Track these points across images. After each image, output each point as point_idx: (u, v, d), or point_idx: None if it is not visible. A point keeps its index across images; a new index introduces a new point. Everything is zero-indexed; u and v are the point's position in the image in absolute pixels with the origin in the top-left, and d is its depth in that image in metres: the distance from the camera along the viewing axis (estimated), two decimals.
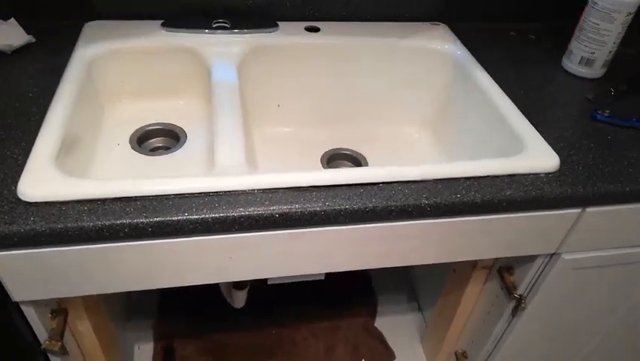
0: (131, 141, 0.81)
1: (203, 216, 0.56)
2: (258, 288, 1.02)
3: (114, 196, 0.56)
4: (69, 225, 0.53)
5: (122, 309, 1.17)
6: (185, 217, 0.55)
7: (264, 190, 0.60)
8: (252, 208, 0.57)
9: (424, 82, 0.93)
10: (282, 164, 0.88)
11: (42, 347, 0.67)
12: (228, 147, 0.65)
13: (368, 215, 0.60)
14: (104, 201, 0.55)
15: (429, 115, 0.95)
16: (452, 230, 0.66)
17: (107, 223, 0.54)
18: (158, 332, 1.17)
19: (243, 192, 0.59)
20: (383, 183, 0.62)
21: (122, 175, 0.75)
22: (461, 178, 0.64)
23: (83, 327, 0.78)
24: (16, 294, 0.60)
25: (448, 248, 0.69)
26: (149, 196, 0.57)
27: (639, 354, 1.06)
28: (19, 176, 0.56)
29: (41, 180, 0.56)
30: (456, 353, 1.06)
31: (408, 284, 1.35)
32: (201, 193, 0.58)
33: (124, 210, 0.55)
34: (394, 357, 1.18)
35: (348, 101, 0.96)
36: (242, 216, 0.57)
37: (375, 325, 1.24)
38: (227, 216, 0.57)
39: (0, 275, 0.57)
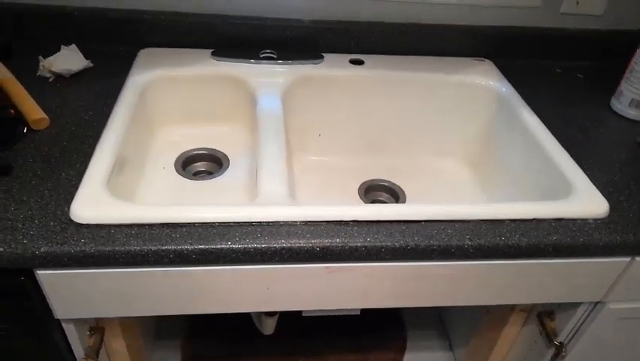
0: (176, 165, 0.83)
1: (245, 245, 0.56)
2: (288, 315, 1.01)
3: (161, 222, 0.57)
4: (117, 248, 0.54)
5: (152, 327, 1.18)
6: (228, 246, 0.56)
7: (306, 222, 0.60)
8: (294, 240, 0.57)
9: (467, 117, 0.93)
10: (320, 193, 0.89)
11: None
12: (272, 176, 0.66)
13: (409, 253, 0.60)
14: (151, 226, 0.57)
15: (470, 151, 0.95)
16: (494, 273, 0.65)
17: (153, 248, 0.55)
18: (186, 353, 1.18)
19: (285, 223, 0.59)
20: (426, 220, 0.62)
21: (166, 198, 0.76)
22: (506, 220, 0.63)
23: (117, 345, 0.79)
24: (60, 312, 0.61)
25: (489, 291, 0.67)
26: (194, 223, 0.58)
27: None
28: (73, 198, 0.58)
29: (93, 203, 0.57)
30: None
31: (438, 320, 1.31)
32: (245, 223, 0.59)
33: (170, 236, 0.56)
34: None
35: (388, 134, 0.96)
36: (283, 248, 0.57)
37: (405, 360, 1.21)
38: (268, 247, 0.57)
39: (47, 293, 0.58)
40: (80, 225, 0.56)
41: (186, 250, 0.55)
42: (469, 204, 0.64)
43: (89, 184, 0.60)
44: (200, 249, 0.55)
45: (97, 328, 0.72)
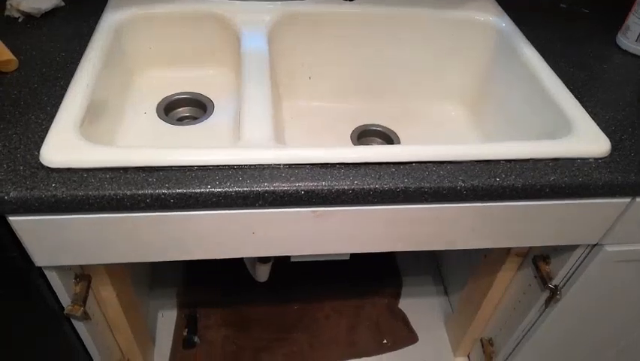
0: (158, 110, 0.80)
1: (226, 189, 0.54)
2: (283, 263, 1.01)
3: (137, 165, 0.54)
4: (90, 193, 0.51)
5: (146, 276, 1.18)
6: (208, 190, 0.53)
7: (290, 165, 0.57)
8: (277, 184, 0.54)
9: (465, 56, 0.88)
10: (310, 139, 0.85)
11: (65, 311, 0.67)
12: (255, 119, 0.62)
13: (399, 196, 0.57)
14: (126, 169, 0.54)
15: (468, 92, 0.90)
16: (489, 215, 0.62)
17: (128, 193, 0.52)
18: (182, 300, 1.18)
19: (269, 167, 0.57)
20: (417, 162, 0.59)
21: (148, 144, 0.73)
22: (502, 160, 0.60)
23: (106, 293, 0.78)
24: (39, 259, 0.59)
25: (483, 234, 0.65)
26: (172, 167, 0.55)
27: None
28: (43, 141, 0.55)
29: (64, 146, 0.54)
30: (482, 340, 1.03)
31: (434, 266, 1.31)
32: (225, 166, 0.56)
33: (146, 181, 0.53)
34: (417, 340, 1.16)
35: (382, 75, 0.92)
36: (266, 192, 0.54)
37: (400, 306, 1.22)
38: (251, 191, 0.54)
39: (22, 240, 0.56)
40: (51, 169, 0.53)
41: (164, 194, 0.53)
42: (463, 144, 0.61)
43: (59, 127, 0.56)
44: (179, 193, 0.53)
45: (83, 275, 0.71)
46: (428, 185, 0.57)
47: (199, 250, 0.61)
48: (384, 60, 0.90)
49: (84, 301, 0.69)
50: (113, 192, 0.52)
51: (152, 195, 0.53)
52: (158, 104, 0.80)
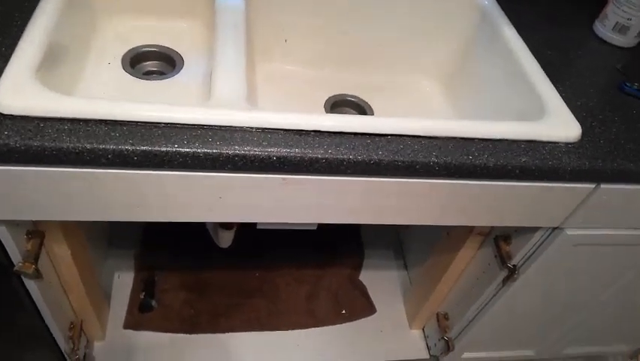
0: (123, 62, 0.75)
1: (194, 150, 0.51)
2: (246, 229, 0.99)
3: (99, 118, 0.51)
4: (47, 144, 0.48)
5: (102, 235, 1.14)
6: (174, 149, 0.51)
7: (263, 129, 0.55)
8: (249, 147, 0.52)
9: (445, 31, 0.86)
10: (283, 104, 0.83)
11: (15, 268, 0.64)
12: (228, 78, 0.59)
13: (372, 168, 0.56)
14: (87, 121, 0.50)
15: (445, 68, 0.89)
16: (458, 193, 0.63)
17: (88, 147, 0.49)
18: (140, 262, 1.15)
19: (240, 129, 0.54)
20: (392, 135, 0.58)
21: (110, 97, 0.69)
22: (476, 139, 0.60)
23: (60, 251, 0.75)
24: None
25: (451, 211, 0.66)
26: (137, 122, 0.52)
27: (622, 332, 1.06)
28: None
29: (19, 91, 0.50)
30: (437, 315, 1.05)
31: (396, 241, 1.33)
32: (194, 125, 0.53)
33: (108, 135, 0.50)
34: (375, 311, 1.18)
35: (359, 45, 0.89)
36: (236, 155, 0.52)
37: (360, 278, 1.24)
38: (220, 153, 0.52)
39: None
40: (4, 115, 0.49)
41: (127, 150, 0.50)
42: (439, 119, 0.60)
43: (15, 71, 0.52)
44: (143, 150, 0.50)
45: (35, 232, 0.67)
46: (401, 159, 0.56)
47: (162, 213, 0.59)
48: (365, 30, 0.87)
49: (36, 259, 0.65)
50: (72, 144, 0.48)
51: (114, 150, 0.49)
52: (124, 56, 0.76)
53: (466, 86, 0.85)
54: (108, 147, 0.49)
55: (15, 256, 0.65)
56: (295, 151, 0.54)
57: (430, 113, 0.87)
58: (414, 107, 0.88)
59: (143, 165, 0.51)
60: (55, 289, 0.78)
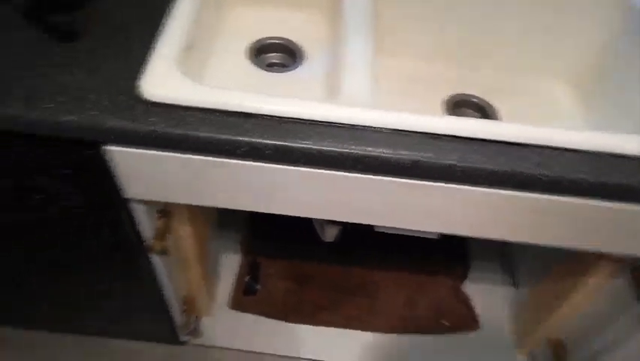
0: (249, 53, 0.76)
1: (328, 148, 0.50)
2: (352, 226, 0.98)
3: (237, 110, 0.52)
4: (189, 132, 0.50)
5: (213, 218, 1.19)
6: (306, 145, 0.50)
7: (395, 131, 0.52)
8: (381, 149, 0.50)
9: (583, 31, 0.77)
10: (401, 101, 0.79)
11: (146, 244, 0.68)
12: (357, 74, 0.58)
13: (511, 181, 0.52)
14: (226, 113, 0.51)
15: (581, 72, 0.80)
16: (604, 217, 0.56)
17: (225, 138, 0.50)
18: (246, 247, 1.19)
19: (370, 129, 0.52)
20: (535, 145, 0.53)
21: (244, 89, 0.70)
22: (633, 157, 0.53)
23: (183, 232, 0.78)
24: (128, 191, 0.59)
25: (593, 235, 0.59)
26: (274, 116, 0.52)
27: None
28: (142, 72, 0.53)
29: (165, 81, 0.53)
30: (551, 341, 0.96)
31: (503, 253, 1.24)
32: (323, 122, 0.52)
33: (243, 127, 0.51)
34: (478, 327, 1.11)
35: (486, 42, 0.82)
36: (368, 156, 0.50)
37: (464, 289, 1.17)
38: (350, 153, 0.51)
39: (115, 170, 0.56)
40: (151, 103, 0.51)
41: (261, 143, 0.50)
42: (590, 131, 0.54)
43: (160, 59, 0.54)
44: (276, 145, 0.50)
45: (165, 212, 0.71)
46: (546, 173, 0.51)
47: (285, 206, 0.59)
48: (490, 25, 0.81)
49: (163, 237, 0.69)
50: (212, 134, 0.50)
51: (249, 143, 0.50)
52: (250, 47, 0.77)
53: (604, 92, 0.75)
54: (244, 139, 0.50)
55: (145, 232, 0.69)
56: (429, 156, 0.51)
57: (561, 119, 0.79)
58: (543, 112, 0.80)
59: (275, 159, 0.51)
60: (176, 266, 0.82)
